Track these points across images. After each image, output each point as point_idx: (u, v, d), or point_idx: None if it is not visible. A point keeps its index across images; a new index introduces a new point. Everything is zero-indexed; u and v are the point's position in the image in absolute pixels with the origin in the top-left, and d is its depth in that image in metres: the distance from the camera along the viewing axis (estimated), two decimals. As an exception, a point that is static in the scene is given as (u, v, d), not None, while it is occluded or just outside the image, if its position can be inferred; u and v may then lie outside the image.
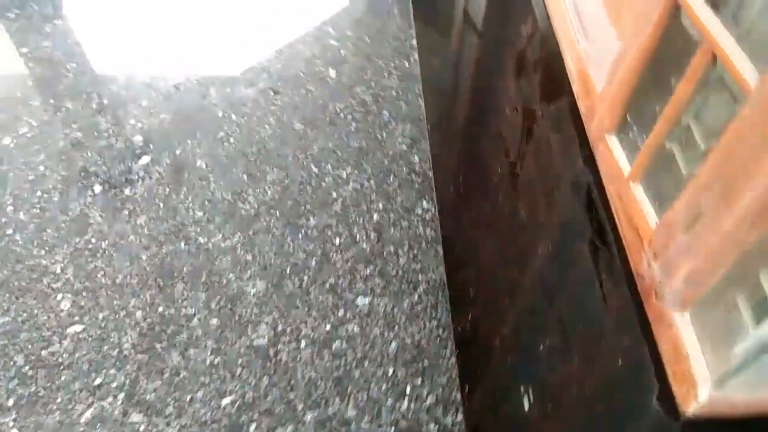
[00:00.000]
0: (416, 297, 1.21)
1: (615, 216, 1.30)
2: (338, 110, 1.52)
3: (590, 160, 1.43)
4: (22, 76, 1.57)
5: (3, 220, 1.30)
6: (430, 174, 1.40)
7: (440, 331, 1.16)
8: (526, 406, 1.07)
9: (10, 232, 1.28)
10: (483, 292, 1.24)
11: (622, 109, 1.26)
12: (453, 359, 1.12)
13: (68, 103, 1.51)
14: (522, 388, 1.10)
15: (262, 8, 1.76)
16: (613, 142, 1.31)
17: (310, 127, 1.49)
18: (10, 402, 1.07)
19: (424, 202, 1.35)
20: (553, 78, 1.65)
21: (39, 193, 1.34)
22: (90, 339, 1.14)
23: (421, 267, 1.25)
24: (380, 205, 1.35)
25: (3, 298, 1.19)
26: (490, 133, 1.51)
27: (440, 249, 1.28)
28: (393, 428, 1.05)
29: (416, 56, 1.63)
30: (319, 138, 1.47)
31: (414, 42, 1.66)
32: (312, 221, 1.32)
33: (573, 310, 1.24)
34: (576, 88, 1.54)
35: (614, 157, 1.29)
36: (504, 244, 1.31)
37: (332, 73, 1.60)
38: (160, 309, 1.18)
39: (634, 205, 1.20)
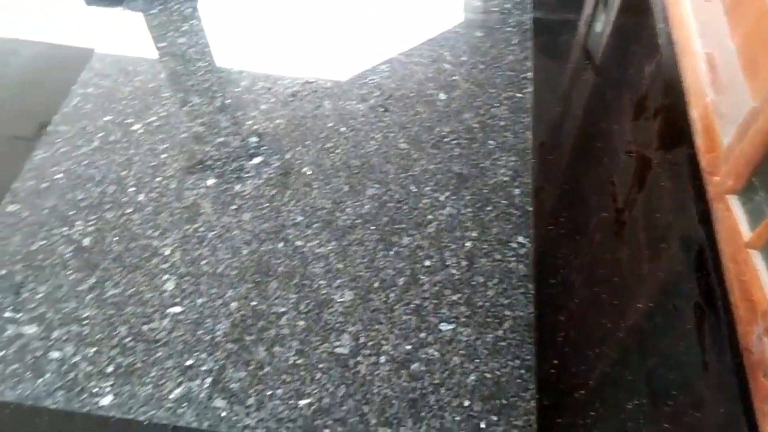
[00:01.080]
0: (501, 332, 1.20)
1: (727, 281, 1.23)
2: (444, 134, 1.54)
3: (705, 218, 1.36)
4: (158, 68, 1.71)
5: (125, 199, 1.41)
6: (530, 209, 1.38)
7: (522, 372, 1.14)
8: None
9: (129, 211, 1.39)
10: (572, 339, 1.20)
11: (749, 171, 1.19)
12: (533, 403, 1.10)
13: (195, 98, 1.62)
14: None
15: (382, 27, 1.82)
16: (735, 203, 1.24)
17: (414, 148, 1.51)
18: (110, 369, 1.15)
19: (520, 237, 1.33)
20: (674, 127, 1.59)
21: (159, 179, 1.45)
22: (187, 321, 1.21)
23: (510, 303, 1.24)
24: (474, 234, 1.35)
25: (116, 271, 1.29)
26: (598, 175, 1.47)
27: (531, 287, 1.25)
28: (462, 461, 1.04)
29: (530, 89, 1.62)
30: (422, 159, 1.49)
31: (529, 74, 1.65)
32: (405, 240, 1.34)
33: (667, 373, 1.18)
34: (698, 140, 1.48)
35: (734, 219, 1.22)
36: (600, 292, 1.27)
37: (442, 96, 1.62)
38: (254, 303, 1.24)
39: (751, 274, 1.13)
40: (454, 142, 1.52)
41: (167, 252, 1.32)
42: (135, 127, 1.55)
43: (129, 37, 1.79)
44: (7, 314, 1.22)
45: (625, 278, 1.29)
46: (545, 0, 1.91)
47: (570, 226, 1.36)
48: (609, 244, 1.34)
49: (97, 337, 1.19)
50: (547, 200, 1.41)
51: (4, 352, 1.18)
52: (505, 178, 1.44)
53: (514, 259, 1.30)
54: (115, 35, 1.80)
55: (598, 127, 1.57)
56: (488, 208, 1.39)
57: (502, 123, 1.56)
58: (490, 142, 1.52)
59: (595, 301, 1.25)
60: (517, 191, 1.42)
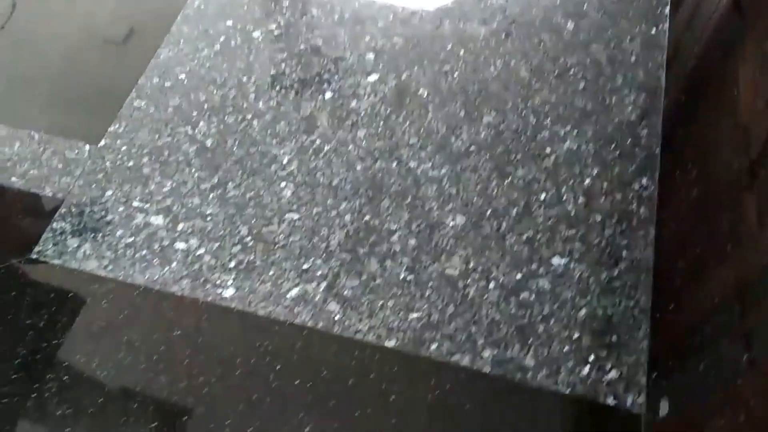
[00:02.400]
0: (616, 272, 1.17)
1: None
2: (569, 65, 1.47)
3: None
4: (277, -23, 1.69)
5: (245, 105, 1.44)
6: (657, 152, 1.32)
7: (635, 312, 1.12)
8: (719, 420, 1.01)
9: (249, 117, 1.42)
10: (691, 289, 1.17)
11: None
12: (645, 343, 1.08)
13: (314, 9, 1.61)
14: (713, 397, 1.04)
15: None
16: None
17: (535, 78, 1.45)
18: (232, 264, 1.22)
19: (644, 179, 1.28)
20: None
21: (278, 88, 1.46)
22: (303, 228, 1.25)
23: (627, 244, 1.20)
24: (594, 171, 1.30)
25: (237, 174, 1.33)
26: (733, 124, 1.38)
27: (652, 231, 1.21)
28: (569, 390, 1.05)
29: (666, 26, 1.51)
30: (543, 90, 1.43)
31: (667, 10, 1.54)
32: (520, 171, 1.31)
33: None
34: None
35: None
36: (724, 246, 1.22)
37: (570, 26, 1.54)
38: (367, 218, 1.26)
39: None
40: (580, 74, 1.45)
41: (285, 160, 1.35)
42: (255, 34, 1.56)
43: (248, -57, 1.77)
44: (136, 203, 1.30)
45: (752, 233, 1.22)
46: (692, -73, 1.74)
47: (698, 173, 1.29)
48: (738, 196, 1.27)
49: (220, 233, 1.25)
50: (675, 144, 1.34)
51: (133, 238, 1.26)
52: (633, 117, 1.37)
53: (635, 200, 1.26)
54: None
55: (738, 74, 1.45)
56: (611, 147, 1.33)
57: (633, 59, 1.47)
58: (619, 77, 1.44)
59: (718, 252, 1.20)
60: (644, 132, 1.35)
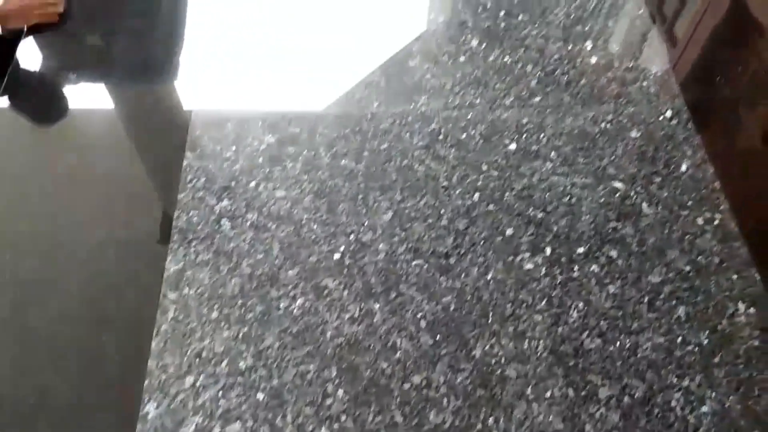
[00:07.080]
0: None
1: None
2: (655, 286, 1.24)
3: None
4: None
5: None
6: (809, 390, 1.11)
7: None
8: None
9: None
10: None
11: None
12: None
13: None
14: None
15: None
16: None
17: (628, 314, 1.21)
18: None
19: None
20: None
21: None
22: None
23: None
24: (752, 438, 1.07)
25: None
26: None
27: None
28: None
29: (725, 205, 1.33)
30: (645, 330, 1.19)
31: (716, 184, 1.36)
32: (674, 461, 1.05)
33: None
34: None
35: None
36: None
37: (630, 230, 1.32)
38: None
39: None
40: (673, 296, 1.23)
41: None
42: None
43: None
44: None
45: None
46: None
47: None
48: None
49: None
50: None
51: None
52: (756, 343, 1.17)
53: (823, 472, 1.04)
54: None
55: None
56: (754, 394, 1.11)
57: (716, 260, 1.27)
58: (713, 289, 1.23)
59: None
60: (783, 366, 1.14)
